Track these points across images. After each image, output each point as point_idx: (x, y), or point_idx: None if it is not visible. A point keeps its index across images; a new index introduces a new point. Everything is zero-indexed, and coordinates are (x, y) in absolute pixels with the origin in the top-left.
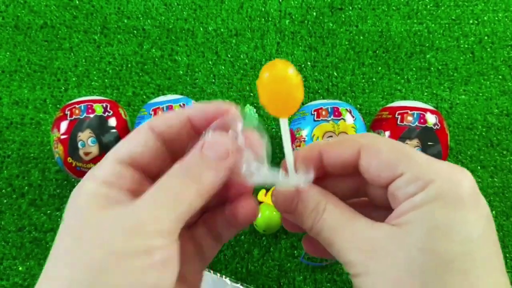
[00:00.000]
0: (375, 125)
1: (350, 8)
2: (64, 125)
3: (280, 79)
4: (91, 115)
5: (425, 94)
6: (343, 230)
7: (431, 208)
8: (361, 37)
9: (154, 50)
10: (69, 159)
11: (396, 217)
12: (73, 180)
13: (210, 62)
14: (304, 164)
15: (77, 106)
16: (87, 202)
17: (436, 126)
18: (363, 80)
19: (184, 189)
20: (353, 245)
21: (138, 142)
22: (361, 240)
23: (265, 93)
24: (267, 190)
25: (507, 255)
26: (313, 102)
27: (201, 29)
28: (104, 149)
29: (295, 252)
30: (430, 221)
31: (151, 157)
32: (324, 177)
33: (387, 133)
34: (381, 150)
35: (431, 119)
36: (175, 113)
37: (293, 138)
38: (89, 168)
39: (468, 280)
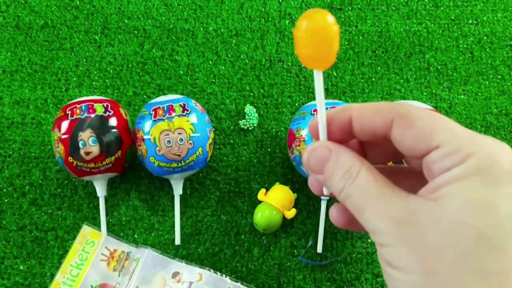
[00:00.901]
0: None
1: (350, 8)
2: (65, 125)
3: (319, 29)
4: (92, 115)
5: (424, 94)
6: (375, 197)
7: (470, 182)
8: (361, 37)
9: (154, 50)
10: (70, 159)
11: (431, 191)
12: (74, 179)
13: (210, 62)
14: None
15: (78, 106)
16: None
17: None
18: (363, 80)
19: None
20: (384, 213)
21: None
22: (393, 209)
23: (301, 45)
24: (267, 190)
25: None
26: (313, 102)
27: (202, 29)
28: (105, 148)
29: (295, 251)
30: (469, 195)
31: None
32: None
33: None
34: (417, 120)
35: None
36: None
37: (293, 138)
38: (90, 168)
39: (506, 257)
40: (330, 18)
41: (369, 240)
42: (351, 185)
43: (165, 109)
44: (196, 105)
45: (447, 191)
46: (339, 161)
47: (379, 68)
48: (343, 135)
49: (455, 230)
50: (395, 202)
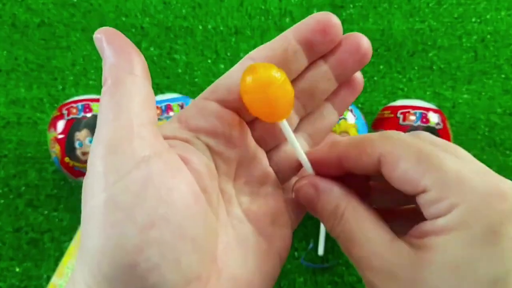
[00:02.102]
0: (376, 124)
1: (351, 6)
2: (61, 125)
3: (264, 86)
4: (89, 114)
5: (428, 93)
6: (359, 242)
7: (452, 237)
8: None
9: (152, 49)
10: (66, 159)
11: (418, 235)
12: (70, 180)
13: (209, 61)
14: (323, 168)
15: (74, 105)
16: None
17: (438, 126)
18: (365, 79)
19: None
20: (369, 262)
21: (234, 73)
22: (377, 259)
23: (255, 105)
24: None
25: None
26: None
27: (200, 27)
28: None
29: (296, 253)
30: (449, 253)
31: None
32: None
33: None
34: (401, 161)
35: (433, 118)
36: (277, 38)
37: None
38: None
39: None
40: (275, 72)
41: None
42: (337, 225)
43: (163, 108)
44: None
45: (431, 242)
46: (325, 200)
47: (381, 66)
48: (337, 172)
49: None
50: (378, 251)
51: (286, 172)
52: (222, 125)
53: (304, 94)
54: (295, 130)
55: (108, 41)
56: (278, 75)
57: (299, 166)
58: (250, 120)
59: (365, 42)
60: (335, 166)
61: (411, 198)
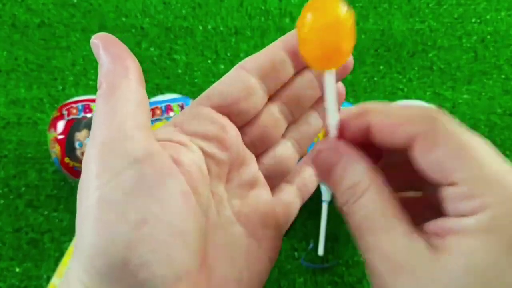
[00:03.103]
0: None
1: (351, 6)
2: (61, 125)
3: (332, 24)
4: (89, 115)
5: (428, 93)
6: (378, 228)
7: (478, 242)
8: (362, 36)
9: (152, 49)
10: (66, 159)
11: (438, 232)
12: (70, 181)
13: (209, 61)
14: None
15: (74, 105)
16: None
17: None
18: (365, 79)
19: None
20: (384, 251)
21: (225, 81)
22: (394, 251)
23: (308, 43)
24: None
25: None
26: None
27: (200, 27)
28: None
29: (296, 253)
30: (472, 259)
31: (242, 96)
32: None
33: None
34: (440, 145)
35: None
36: (266, 48)
37: None
38: None
39: None
40: (344, 8)
41: None
42: (354, 203)
43: (163, 109)
44: None
45: (451, 243)
46: (347, 171)
47: (381, 67)
48: (360, 139)
49: None
50: (397, 243)
51: (275, 176)
52: (215, 129)
53: (291, 101)
54: (283, 135)
55: (104, 47)
56: (345, 12)
57: (288, 170)
58: (241, 125)
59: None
60: (361, 134)
61: (419, 185)
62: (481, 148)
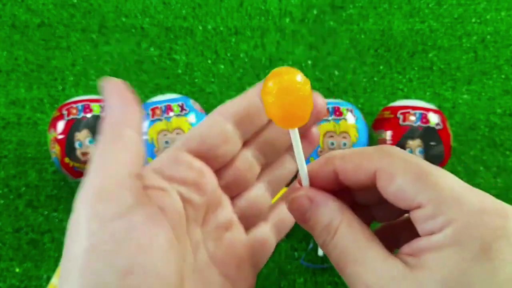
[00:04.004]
0: (376, 124)
1: (351, 6)
2: (61, 125)
3: (289, 90)
4: (89, 115)
5: (428, 93)
6: (354, 260)
7: (447, 254)
8: (363, 36)
9: (152, 49)
10: (66, 160)
11: (412, 253)
12: (70, 181)
13: (209, 61)
14: (318, 180)
15: (74, 105)
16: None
17: (438, 126)
18: (365, 79)
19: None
20: (364, 279)
21: (203, 127)
22: (372, 277)
23: (272, 107)
24: None
25: None
26: None
27: (200, 27)
28: None
29: (295, 254)
30: (444, 271)
31: (219, 142)
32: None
33: (389, 132)
34: (396, 177)
35: (433, 118)
36: (242, 94)
37: None
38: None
39: None
40: (300, 78)
41: None
42: (330, 243)
43: (163, 109)
44: (194, 105)
45: (425, 260)
46: (318, 214)
47: (382, 67)
48: (331, 185)
49: None
50: (374, 268)
51: (249, 218)
52: (192, 174)
53: (265, 146)
54: (257, 178)
55: (112, 93)
56: (301, 81)
57: (261, 212)
58: (217, 168)
59: (320, 102)
60: (330, 179)
61: (398, 215)
62: (437, 171)
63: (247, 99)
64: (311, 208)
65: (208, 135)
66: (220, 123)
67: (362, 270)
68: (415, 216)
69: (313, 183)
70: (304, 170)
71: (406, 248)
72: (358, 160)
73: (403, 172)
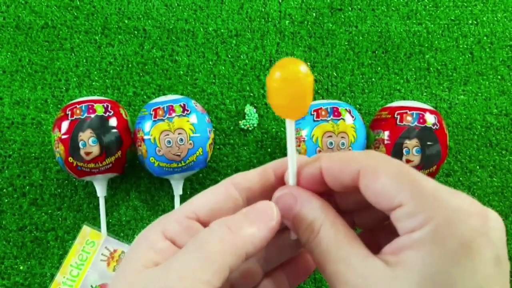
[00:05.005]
0: (374, 125)
1: (350, 8)
2: (65, 125)
3: (292, 79)
4: (92, 115)
5: (424, 94)
6: (335, 258)
7: (427, 251)
8: (361, 38)
9: (154, 51)
10: (70, 159)
11: (393, 251)
12: (74, 180)
13: (210, 63)
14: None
15: (78, 106)
16: (135, 259)
17: (435, 126)
18: (363, 80)
19: (218, 245)
20: (344, 277)
21: (216, 198)
22: (350, 275)
23: (274, 94)
24: None
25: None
26: (312, 102)
27: (202, 29)
28: (105, 149)
29: None
30: (424, 268)
31: (228, 214)
32: (331, 190)
33: (386, 132)
34: (379, 175)
35: (430, 119)
36: (258, 169)
37: None
38: (90, 168)
39: None
40: (304, 68)
41: None
42: (313, 240)
43: (165, 109)
44: (196, 105)
45: (406, 258)
46: (303, 212)
47: (379, 68)
48: (316, 186)
49: None
50: (355, 265)
51: None
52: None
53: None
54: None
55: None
56: (304, 71)
57: None
58: None
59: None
60: (316, 179)
61: (379, 221)
62: (417, 174)
63: (262, 174)
64: (296, 206)
65: (215, 205)
66: (233, 195)
67: (343, 268)
68: (396, 215)
69: (299, 182)
70: (293, 166)
71: (387, 248)
72: (344, 159)
73: (386, 172)
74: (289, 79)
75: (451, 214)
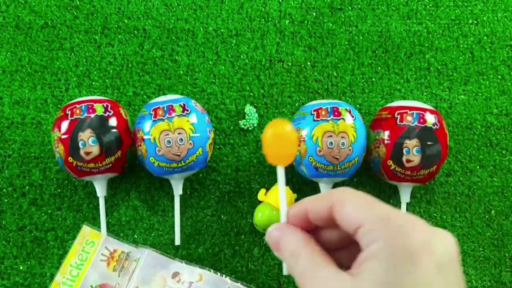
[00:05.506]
0: (374, 124)
1: (350, 8)
2: (65, 125)
3: (280, 136)
4: (92, 115)
5: (425, 94)
6: (311, 278)
7: (381, 261)
8: (361, 37)
9: (154, 50)
10: (70, 159)
11: (357, 265)
12: (74, 179)
13: (210, 62)
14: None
15: (77, 106)
16: None
17: (435, 126)
18: (363, 80)
19: None
20: None
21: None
22: (321, 287)
23: (267, 146)
24: (267, 190)
25: (507, 254)
26: (313, 102)
27: (201, 29)
28: (105, 148)
29: None
30: (379, 274)
31: None
32: (317, 228)
33: (387, 132)
34: (346, 205)
35: (430, 118)
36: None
37: None
38: (90, 168)
39: None
40: (289, 127)
41: None
42: (294, 266)
43: (165, 109)
44: (196, 105)
45: (365, 268)
46: (286, 242)
47: (379, 68)
48: (303, 223)
49: None
50: (327, 282)
51: None
52: None
53: None
54: None
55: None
56: (289, 130)
57: None
58: None
59: None
60: (303, 217)
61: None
62: (375, 201)
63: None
64: (282, 239)
65: None
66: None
67: (313, 280)
68: (359, 234)
69: (290, 221)
70: (284, 207)
71: (353, 264)
72: (321, 197)
73: (350, 202)
74: (278, 134)
75: (397, 230)
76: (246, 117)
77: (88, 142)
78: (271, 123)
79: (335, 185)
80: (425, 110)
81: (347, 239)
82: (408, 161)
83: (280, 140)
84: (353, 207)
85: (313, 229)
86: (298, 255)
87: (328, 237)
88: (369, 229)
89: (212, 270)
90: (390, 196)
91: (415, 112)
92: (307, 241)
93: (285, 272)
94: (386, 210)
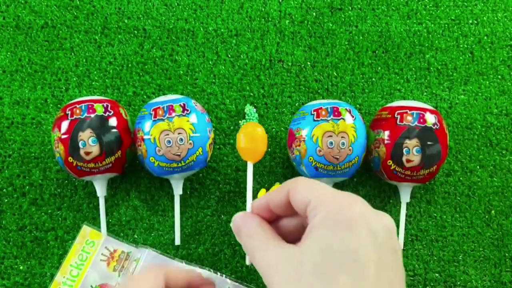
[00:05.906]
0: (374, 124)
1: (350, 8)
2: (65, 125)
3: (251, 135)
4: (92, 115)
5: (425, 94)
6: (263, 251)
7: (323, 229)
8: (361, 37)
9: (154, 50)
10: (70, 159)
11: (303, 238)
12: (74, 179)
13: (210, 62)
14: (258, 211)
15: (77, 106)
16: None
17: (435, 126)
18: (363, 80)
19: None
20: (265, 262)
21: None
22: (271, 258)
23: (239, 145)
24: (267, 190)
25: (507, 254)
26: (312, 102)
27: (202, 29)
28: (105, 148)
29: None
30: (320, 240)
31: None
32: (278, 218)
33: (387, 132)
34: (299, 187)
35: (430, 118)
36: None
37: (293, 138)
38: (90, 168)
39: (339, 284)
40: (259, 129)
41: None
42: (249, 244)
43: (165, 109)
44: (196, 105)
45: (307, 237)
46: (245, 227)
47: (379, 68)
48: (265, 213)
49: (309, 272)
50: (273, 253)
51: None
52: None
53: None
54: None
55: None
56: (259, 131)
57: None
58: None
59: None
60: (266, 208)
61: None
62: (321, 185)
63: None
64: (244, 225)
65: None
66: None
67: (265, 253)
68: (308, 210)
69: (253, 211)
70: (249, 199)
71: (303, 236)
72: (280, 187)
73: (301, 185)
74: (250, 133)
75: (341, 203)
76: (246, 117)
77: (88, 142)
78: (244, 126)
79: (335, 185)
80: (425, 110)
81: (305, 227)
82: (408, 161)
83: (252, 137)
84: (303, 189)
85: (275, 219)
86: (252, 234)
87: (288, 225)
88: (314, 205)
89: (212, 270)
90: (390, 196)
91: (415, 112)
92: (262, 224)
93: (247, 262)
94: (331, 190)
